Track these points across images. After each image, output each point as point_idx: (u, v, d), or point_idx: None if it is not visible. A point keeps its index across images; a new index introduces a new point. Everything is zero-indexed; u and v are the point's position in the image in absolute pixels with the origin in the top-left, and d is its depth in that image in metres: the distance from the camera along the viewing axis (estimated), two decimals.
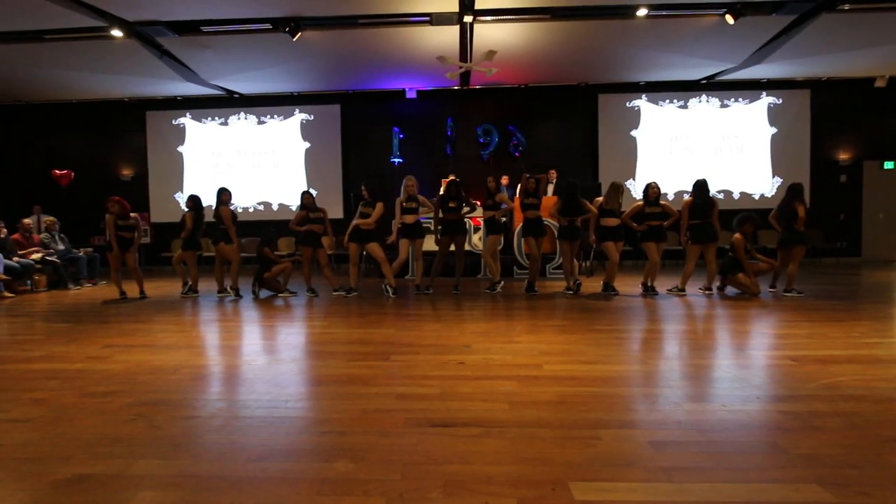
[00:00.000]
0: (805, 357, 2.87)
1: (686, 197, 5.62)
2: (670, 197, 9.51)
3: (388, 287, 5.61)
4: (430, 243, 6.14)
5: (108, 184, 9.99)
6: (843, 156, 9.43)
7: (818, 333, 3.50)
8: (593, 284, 6.12)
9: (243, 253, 6.35)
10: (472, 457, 1.67)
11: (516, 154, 9.54)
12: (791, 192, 5.32)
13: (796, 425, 1.91)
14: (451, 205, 5.66)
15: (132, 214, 5.95)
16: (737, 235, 5.37)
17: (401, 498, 1.43)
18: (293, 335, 3.79)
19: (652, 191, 5.44)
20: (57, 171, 9.57)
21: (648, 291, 5.43)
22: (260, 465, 1.64)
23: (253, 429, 1.95)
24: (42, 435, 1.91)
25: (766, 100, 9.45)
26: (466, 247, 7.41)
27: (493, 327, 3.84)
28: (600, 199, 5.54)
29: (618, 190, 5.46)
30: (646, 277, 5.50)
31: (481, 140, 9.55)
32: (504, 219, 6.27)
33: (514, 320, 4.14)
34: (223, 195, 5.77)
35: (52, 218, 7.68)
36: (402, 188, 5.71)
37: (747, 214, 5.46)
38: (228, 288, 5.83)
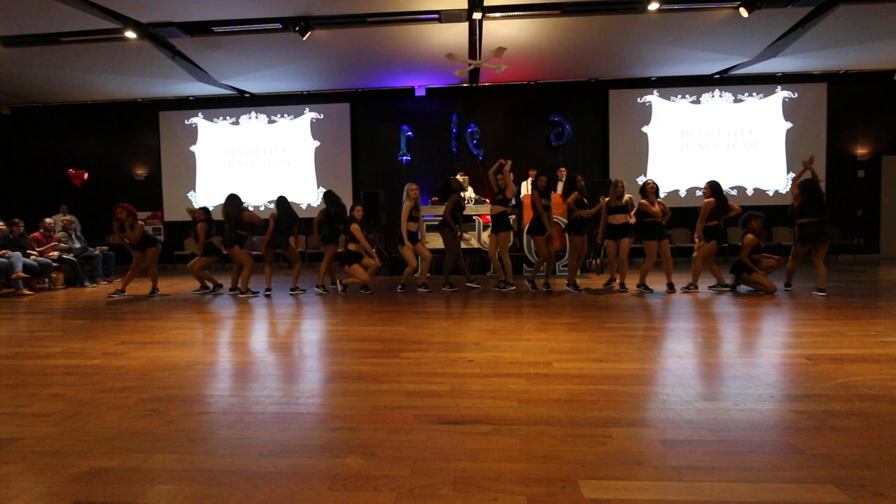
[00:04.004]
0: (820, 356, 2.83)
1: (699, 194, 5.58)
2: (682, 194, 9.41)
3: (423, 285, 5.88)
4: (437, 241, 6.20)
5: (122, 183, 10.17)
6: (861, 150, 9.22)
7: (834, 332, 3.44)
8: (602, 282, 6.08)
9: (254, 251, 6.44)
10: (482, 454, 1.68)
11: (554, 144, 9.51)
12: (813, 188, 5.10)
13: (811, 425, 1.88)
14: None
15: (138, 222, 6.02)
16: (749, 236, 5.28)
17: (411, 494, 1.44)
18: (304, 332, 3.83)
19: (649, 187, 5.45)
20: (72, 171, 9.75)
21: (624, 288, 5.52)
22: (272, 460, 1.67)
23: (265, 424, 1.97)
24: (61, 429, 1.96)
25: (781, 94, 9.27)
26: (475, 244, 7.45)
27: (503, 325, 3.84)
28: (607, 199, 5.54)
29: (614, 186, 5.51)
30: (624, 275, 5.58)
31: (475, 141, 9.50)
32: (513, 216, 6.27)
33: (523, 318, 4.13)
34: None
35: (69, 217, 7.83)
36: (405, 194, 5.82)
37: (751, 213, 5.36)
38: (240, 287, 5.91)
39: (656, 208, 5.35)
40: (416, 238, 5.89)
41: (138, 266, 6.02)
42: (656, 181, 5.56)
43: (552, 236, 5.57)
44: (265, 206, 10.09)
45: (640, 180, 9.35)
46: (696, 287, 5.41)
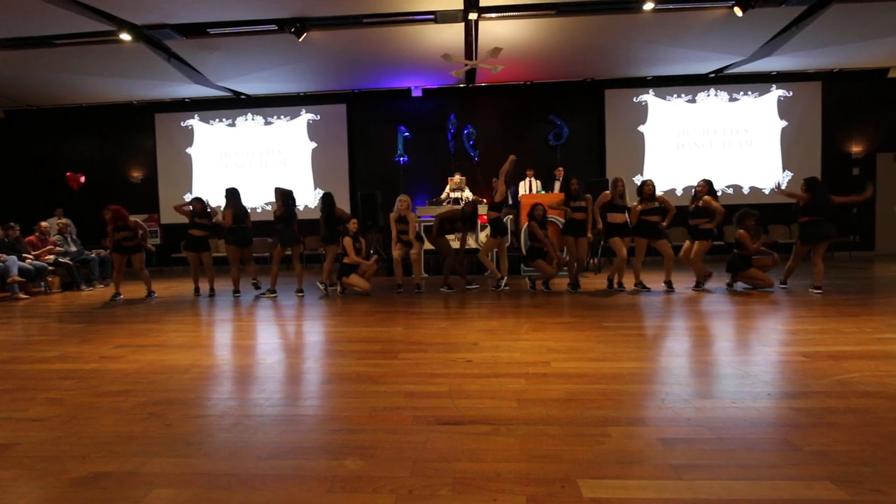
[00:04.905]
0: (817, 353, 2.84)
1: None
2: (678, 193, 9.43)
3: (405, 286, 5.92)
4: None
5: (118, 186, 10.12)
6: (856, 148, 9.28)
7: (830, 329, 3.45)
8: (601, 282, 6.09)
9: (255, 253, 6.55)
10: (481, 454, 1.68)
11: (555, 145, 9.49)
12: (819, 187, 5.05)
13: (808, 422, 1.89)
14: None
15: (132, 220, 6.02)
16: (741, 231, 5.34)
17: (410, 495, 1.44)
18: (302, 334, 3.82)
19: (647, 188, 5.44)
20: (70, 174, 9.71)
21: (616, 289, 5.52)
22: (271, 462, 1.66)
23: (264, 427, 1.97)
24: (58, 434, 1.95)
25: (775, 93, 9.32)
26: (473, 244, 7.47)
27: (501, 325, 3.84)
28: (608, 192, 5.55)
29: (614, 185, 5.51)
30: (612, 273, 5.59)
31: (471, 142, 9.50)
32: (510, 216, 6.29)
33: (521, 318, 4.13)
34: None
35: (64, 220, 7.80)
36: (396, 206, 5.87)
37: (747, 210, 5.40)
38: (237, 289, 5.96)
39: (636, 209, 5.40)
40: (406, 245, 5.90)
41: (121, 268, 6.00)
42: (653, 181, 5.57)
43: (558, 261, 5.61)
44: (262, 209, 10.07)
45: (637, 179, 9.42)
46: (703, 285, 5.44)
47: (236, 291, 5.96)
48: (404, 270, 6.08)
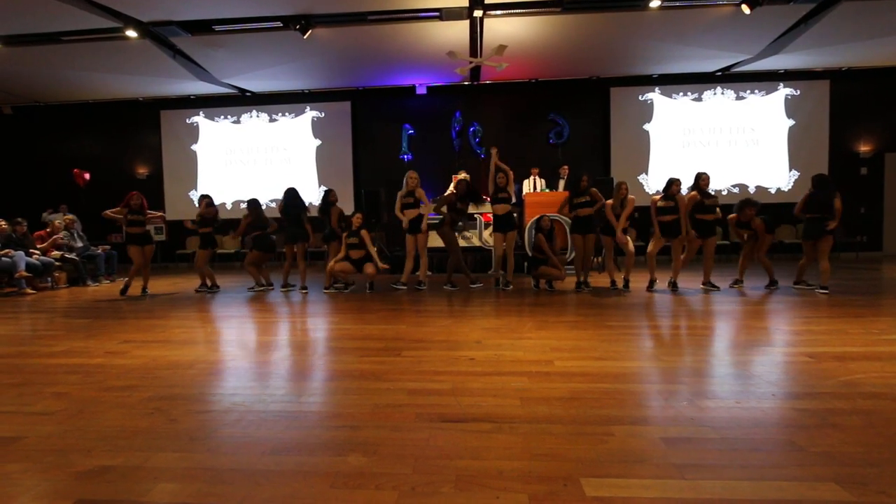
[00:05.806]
0: (823, 354, 2.82)
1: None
2: (683, 192, 9.36)
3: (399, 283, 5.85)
4: (435, 240, 6.21)
5: (124, 182, 10.17)
6: (864, 148, 9.18)
7: (837, 329, 3.43)
8: (604, 280, 6.07)
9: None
10: (484, 452, 1.68)
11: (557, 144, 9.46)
12: (824, 184, 5.06)
13: (813, 423, 1.88)
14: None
15: (149, 212, 6.06)
16: (731, 216, 5.53)
17: (412, 492, 1.44)
18: (306, 331, 3.83)
19: (674, 187, 5.40)
20: (77, 170, 9.77)
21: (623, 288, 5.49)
22: (274, 458, 1.67)
23: (267, 423, 1.98)
24: (64, 427, 1.97)
25: (783, 91, 9.23)
26: (476, 242, 7.46)
27: (504, 323, 3.84)
28: (610, 201, 5.51)
29: (618, 189, 5.49)
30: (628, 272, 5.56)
31: (477, 139, 9.48)
32: (515, 214, 6.26)
33: (524, 317, 4.13)
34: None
35: (71, 216, 7.85)
36: (405, 182, 5.79)
37: (748, 199, 5.46)
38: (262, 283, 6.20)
39: (655, 205, 5.39)
40: (415, 229, 5.70)
41: (139, 262, 5.91)
42: (652, 182, 5.57)
43: (559, 266, 5.59)
44: (266, 206, 10.07)
45: (642, 178, 9.38)
46: (713, 285, 5.40)
47: (260, 286, 6.13)
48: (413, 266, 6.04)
